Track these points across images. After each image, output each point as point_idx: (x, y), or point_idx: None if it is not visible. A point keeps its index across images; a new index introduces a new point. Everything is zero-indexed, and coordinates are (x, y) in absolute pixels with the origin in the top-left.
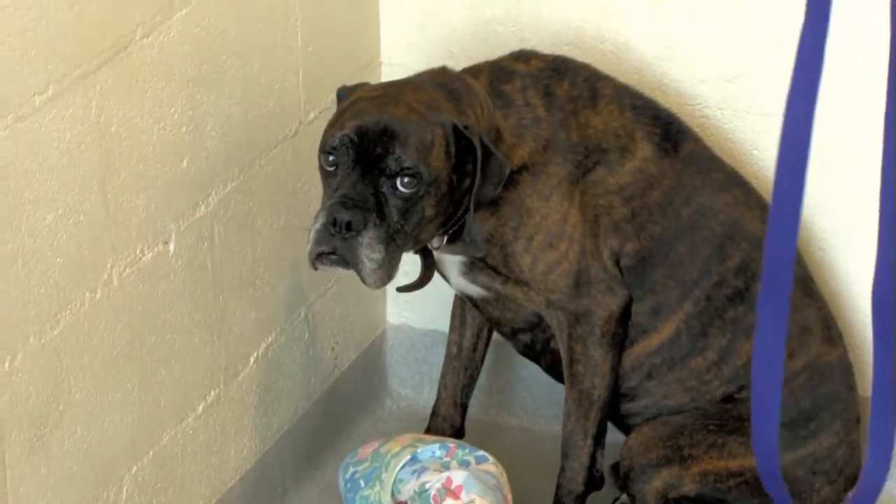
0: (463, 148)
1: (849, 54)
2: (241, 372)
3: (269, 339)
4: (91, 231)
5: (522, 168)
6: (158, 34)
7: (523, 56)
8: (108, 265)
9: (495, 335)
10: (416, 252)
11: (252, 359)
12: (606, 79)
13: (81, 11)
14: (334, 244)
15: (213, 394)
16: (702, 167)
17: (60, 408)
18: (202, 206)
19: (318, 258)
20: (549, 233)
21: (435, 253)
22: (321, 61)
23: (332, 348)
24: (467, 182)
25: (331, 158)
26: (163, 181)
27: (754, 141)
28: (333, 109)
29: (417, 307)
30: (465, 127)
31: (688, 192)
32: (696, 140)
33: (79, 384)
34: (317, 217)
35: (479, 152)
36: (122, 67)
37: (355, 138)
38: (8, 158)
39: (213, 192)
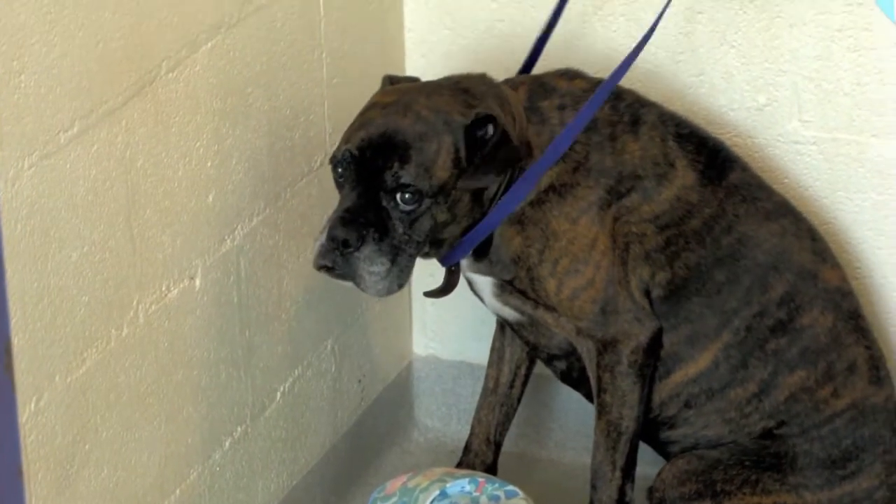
0: (481, 145)
1: None
2: (268, 407)
3: (296, 373)
4: (117, 268)
5: (550, 189)
6: (184, 68)
7: (568, 74)
8: (135, 302)
9: (535, 371)
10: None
11: (279, 393)
12: (651, 105)
13: (106, 48)
14: (334, 259)
15: (239, 429)
16: (748, 196)
17: (87, 447)
18: (228, 241)
19: (321, 270)
20: (574, 258)
21: (467, 273)
22: (347, 93)
23: (359, 381)
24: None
25: (339, 170)
26: (189, 216)
27: (785, 169)
28: None
29: (444, 338)
30: (478, 114)
31: (729, 221)
32: (745, 169)
33: (105, 423)
34: (323, 229)
35: (495, 132)
36: (147, 102)
37: (356, 154)
38: (34, 196)
39: (239, 227)
